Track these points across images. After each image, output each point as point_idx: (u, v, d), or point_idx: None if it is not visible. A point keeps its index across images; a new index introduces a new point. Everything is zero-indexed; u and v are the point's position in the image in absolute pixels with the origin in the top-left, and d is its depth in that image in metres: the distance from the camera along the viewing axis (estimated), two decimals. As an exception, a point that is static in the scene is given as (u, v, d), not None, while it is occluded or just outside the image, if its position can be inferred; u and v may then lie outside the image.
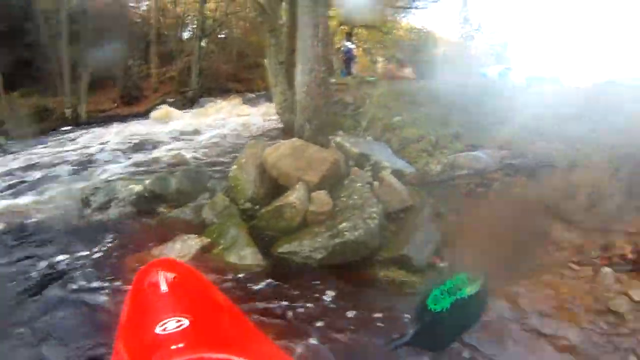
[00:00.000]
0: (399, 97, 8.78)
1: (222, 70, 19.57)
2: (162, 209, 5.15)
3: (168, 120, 13.33)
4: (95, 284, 3.67)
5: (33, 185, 6.74)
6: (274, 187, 5.01)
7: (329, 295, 3.68)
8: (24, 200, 6.02)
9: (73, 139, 11.24)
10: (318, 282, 3.85)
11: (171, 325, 1.02)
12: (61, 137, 11.72)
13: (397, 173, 5.49)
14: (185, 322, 1.04)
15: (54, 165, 8.22)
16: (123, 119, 14.18)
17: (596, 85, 9.90)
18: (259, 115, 13.14)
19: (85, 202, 5.33)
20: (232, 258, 4.09)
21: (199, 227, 4.65)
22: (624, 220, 5.50)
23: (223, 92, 18.14)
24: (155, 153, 8.83)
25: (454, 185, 5.79)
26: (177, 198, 5.26)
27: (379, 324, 3.38)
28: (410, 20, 21.45)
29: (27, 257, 4.19)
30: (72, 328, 3.10)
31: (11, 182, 7.08)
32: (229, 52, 20.67)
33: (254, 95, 17.46)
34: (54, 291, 3.57)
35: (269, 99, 11.64)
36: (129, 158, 8.51)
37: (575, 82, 11.02)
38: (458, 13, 25.05)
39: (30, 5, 13.47)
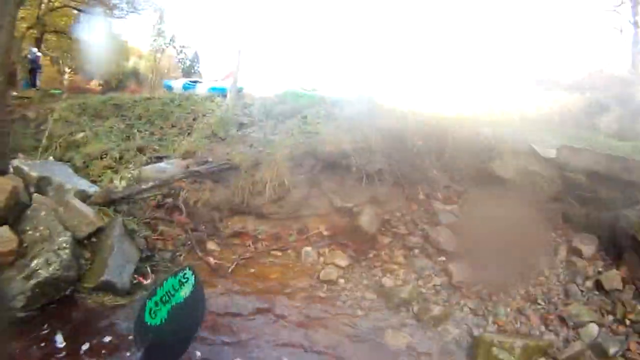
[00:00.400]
0: (83, 111, 8.44)
1: None
2: None
3: None
4: None
5: None
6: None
7: (44, 340, 3.42)
8: None
9: None
10: (31, 330, 3.51)
11: None
12: None
13: (82, 194, 5.32)
14: None
15: None
16: None
17: (277, 94, 11.13)
18: None
19: None
20: None
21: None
22: (311, 205, 6.60)
23: None
24: None
25: (142, 198, 5.86)
26: None
27: (110, 349, 3.34)
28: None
29: None
30: None
31: None
32: None
33: None
34: None
35: None
36: None
37: (259, 92, 11.88)
38: (152, 26, 25.04)
39: None
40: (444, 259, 6.18)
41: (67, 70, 19.02)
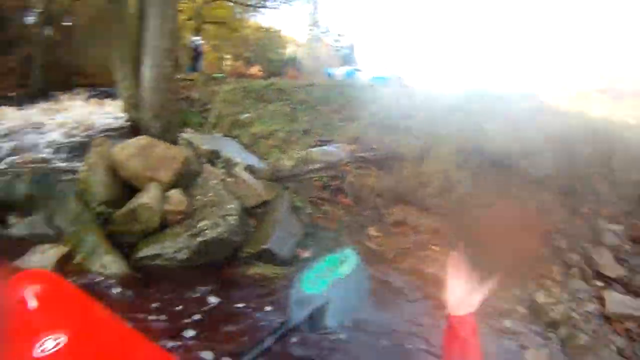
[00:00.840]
0: (247, 94, 8.81)
1: (66, 63, 17.63)
2: (11, 217, 4.54)
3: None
4: None
5: None
6: (126, 188, 4.72)
7: (200, 294, 3.67)
8: None
9: None
10: (188, 283, 3.79)
11: (49, 344, 0.99)
12: None
13: (250, 169, 5.52)
14: (64, 339, 1.00)
15: None
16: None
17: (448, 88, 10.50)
18: (106, 112, 12.21)
19: None
20: (95, 266, 3.83)
21: (55, 236, 4.24)
22: (475, 204, 6.25)
23: (68, 86, 16.41)
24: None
25: (307, 178, 5.99)
26: (28, 204, 4.68)
27: (255, 314, 3.48)
28: (258, 19, 21.91)
29: None
30: None
31: None
32: (75, 42, 18.67)
33: (101, 91, 16.15)
34: None
35: (117, 94, 10.91)
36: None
37: (417, 83, 11.66)
38: (308, 15, 26.01)
39: None
40: (601, 284, 5.52)
41: (227, 56, 20.66)
